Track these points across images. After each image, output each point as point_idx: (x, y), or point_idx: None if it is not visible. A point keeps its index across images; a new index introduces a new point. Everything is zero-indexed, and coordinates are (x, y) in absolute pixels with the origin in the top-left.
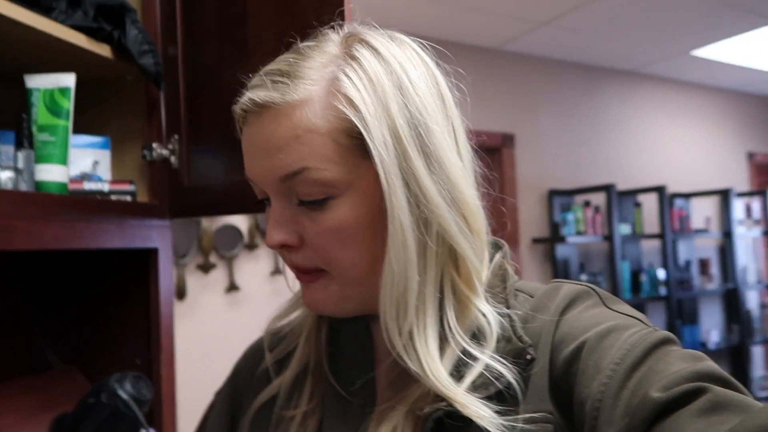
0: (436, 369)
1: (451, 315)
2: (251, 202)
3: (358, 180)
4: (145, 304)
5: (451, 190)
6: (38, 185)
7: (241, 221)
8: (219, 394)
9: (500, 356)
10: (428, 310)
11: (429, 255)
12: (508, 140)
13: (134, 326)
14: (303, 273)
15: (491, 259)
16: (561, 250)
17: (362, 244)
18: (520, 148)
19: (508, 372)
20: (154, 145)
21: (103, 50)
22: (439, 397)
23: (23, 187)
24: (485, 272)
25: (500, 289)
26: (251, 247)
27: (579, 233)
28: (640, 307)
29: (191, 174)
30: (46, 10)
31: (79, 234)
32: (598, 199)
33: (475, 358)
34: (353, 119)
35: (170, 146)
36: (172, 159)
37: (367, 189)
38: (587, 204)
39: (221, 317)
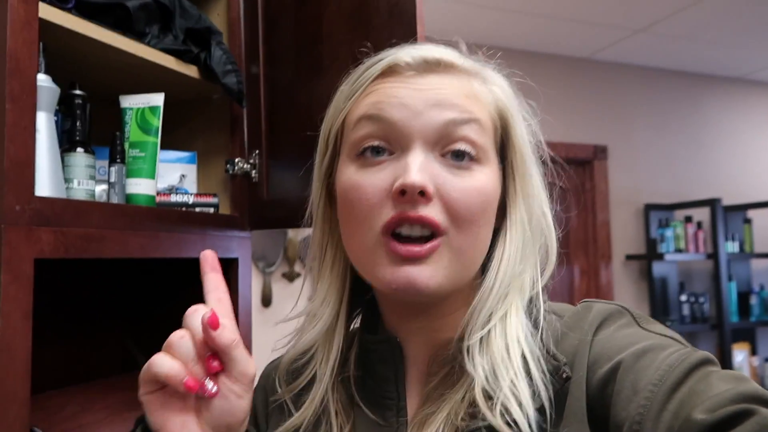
0: (496, 372)
1: (543, 328)
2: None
3: (492, 161)
4: None
5: (542, 204)
6: (128, 198)
7: None
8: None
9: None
10: (516, 313)
11: (533, 253)
12: (600, 152)
13: None
14: (417, 244)
15: None
16: (658, 268)
17: (489, 217)
18: (613, 160)
19: (544, 390)
20: (237, 159)
21: (191, 71)
22: (475, 406)
23: (115, 199)
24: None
25: (534, 307)
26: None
27: (679, 250)
28: (749, 332)
29: (270, 188)
30: (139, 36)
31: (164, 244)
32: (701, 214)
33: (519, 369)
34: (507, 107)
35: (251, 161)
36: (253, 173)
37: (494, 173)
38: (688, 219)
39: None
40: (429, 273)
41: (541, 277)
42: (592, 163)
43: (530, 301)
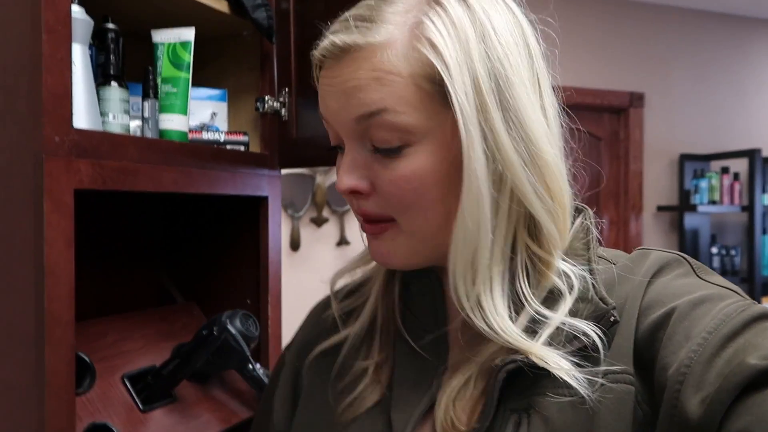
0: (505, 326)
1: (522, 276)
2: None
3: (435, 128)
4: (256, 249)
5: (530, 148)
6: (161, 133)
7: None
8: (288, 349)
9: (583, 317)
10: (497, 269)
11: (501, 213)
12: (636, 99)
13: (246, 270)
14: (370, 223)
15: (572, 223)
16: (690, 220)
17: (435, 195)
18: (649, 108)
19: (590, 331)
20: (267, 97)
21: (221, 5)
22: (513, 352)
23: (148, 134)
24: (566, 235)
25: (582, 253)
26: None
27: (712, 202)
28: None
29: (299, 126)
30: None
31: (196, 180)
32: (739, 165)
33: (549, 318)
34: (435, 63)
35: (281, 99)
36: (283, 111)
37: (443, 139)
38: (725, 170)
39: (331, 269)
40: (386, 249)
41: (550, 220)
42: (627, 111)
43: (585, 243)
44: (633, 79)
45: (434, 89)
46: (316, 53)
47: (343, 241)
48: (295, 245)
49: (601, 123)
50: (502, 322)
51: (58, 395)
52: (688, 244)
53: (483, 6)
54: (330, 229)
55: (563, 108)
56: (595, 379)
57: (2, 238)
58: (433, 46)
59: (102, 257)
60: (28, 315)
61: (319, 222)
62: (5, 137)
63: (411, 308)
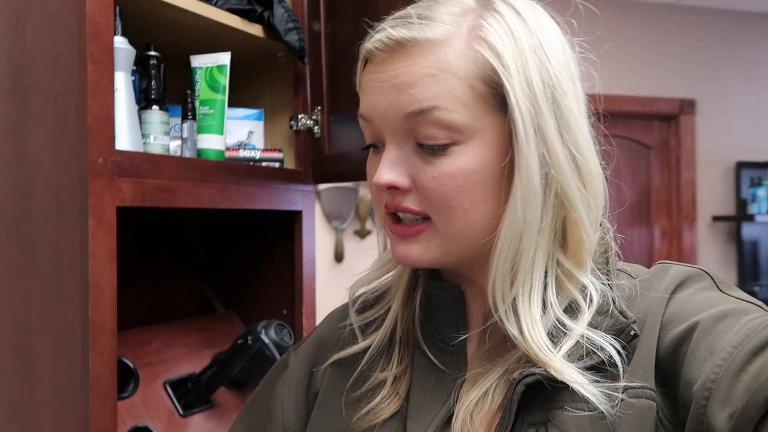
0: (536, 334)
1: (552, 284)
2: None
3: (483, 130)
4: (292, 261)
5: (576, 157)
6: (199, 152)
7: None
8: (296, 351)
9: (602, 330)
10: (537, 275)
11: (546, 218)
12: (687, 106)
13: (282, 281)
14: (402, 224)
15: None
16: (748, 230)
17: (477, 196)
18: (701, 114)
19: (608, 345)
20: (300, 116)
21: (255, 30)
22: (531, 365)
23: (187, 154)
24: (594, 246)
25: (602, 266)
26: None
27: None
28: None
29: (331, 143)
30: None
31: (232, 195)
32: None
33: (570, 329)
34: (495, 65)
35: (314, 117)
36: (315, 129)
37: (491, 142)
38: None
39: None
40: (418, 251)
41: (591, 228)
42: (677, 119)
43: (604, 257)
44: (684, 85)
45: (487, 91)
46: (368, 45)
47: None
48: (339, 257)
49: (650, 131)
50: (533, 329)
51: (101, 398)
52: (746, 254)
53: (535, 18)
54: (373, 241)
55: (603, 115)
56: (615, 394)
57: (53, 253)
58: (493, 48)
59: (148, 269)
60: (74, 323)
61: (362, 234)
62: (57, 158)
63: (431, 320)
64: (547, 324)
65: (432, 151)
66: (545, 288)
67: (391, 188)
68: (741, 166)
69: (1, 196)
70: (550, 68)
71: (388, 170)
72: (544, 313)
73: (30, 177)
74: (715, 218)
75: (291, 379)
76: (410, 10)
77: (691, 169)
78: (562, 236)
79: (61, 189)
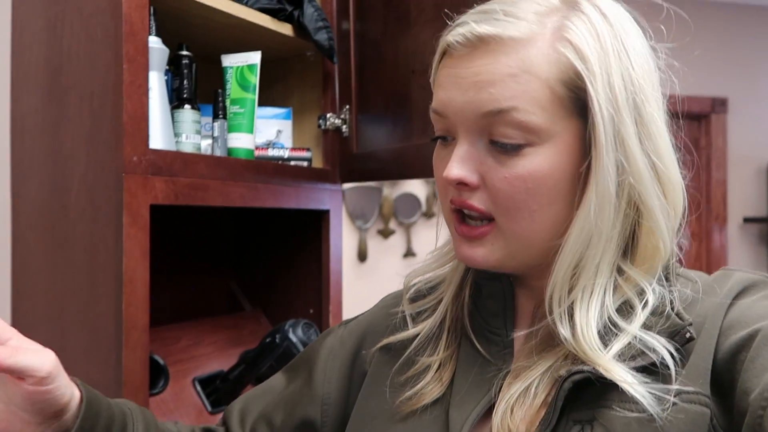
0: (588, 335)
1: (610, 287)
2: (409, 170)
3: (559, 133)
4: (319, 260)
5: (657, 164)
6: (229, 151)
7: (419, 190)
8: (347, 327)
9: (656, 332)
10: (600, 281)
11: (618, 225)
12: (719, 105)
13: (309, 280)
14: (468, 225)
15: None
16: None
17: (546, 199)
18: (733, 113)
19: (660, 347)
20: (329, 115)
21: (285, 29)
22: (577, 362)
23: (218, 152)
24: (668, 254)
25: (663, 270)
26: (429, 215)
27: None
28: None
29: (359, 142)
30: None
31: (261, 194)
32: None
33: (622, 329)
34: (579, 69)
35: (342, 116)
36: (344, 128)
37: (564, 146)
38: None
39: (398, 281)
40: (483, 253)
41: (668, 236)
42: (708, 118)
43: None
44: (715, 83)
45: (567, 94)
46: (449, 38)
47: (409, 253)
48: (362, 256)
49: (680, 130)
50: (587, 332)
51: (134, 394)
52: None
53: (620, 21)
54: (396, 241)
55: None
56: (666, 396)
57: (88, 250)
58: (578, 50)
59: (177, 267)
60: (108, 320)
61: (386, 234)
62: (93, 157)
63: (480, 310)
64: (599, 324)
65: (505, 150)
66: (603, 292)
67: (460, 184)
68: None
69: (37, 194)
70: (633, 73)
71: (458, 166)
72: (600, 317)
73: (66, 175)
74: (747, 219)
75: (338, 353)
76: (495, 5)
77: (722, 169)
78: (630, 243)
79: (96, 187)
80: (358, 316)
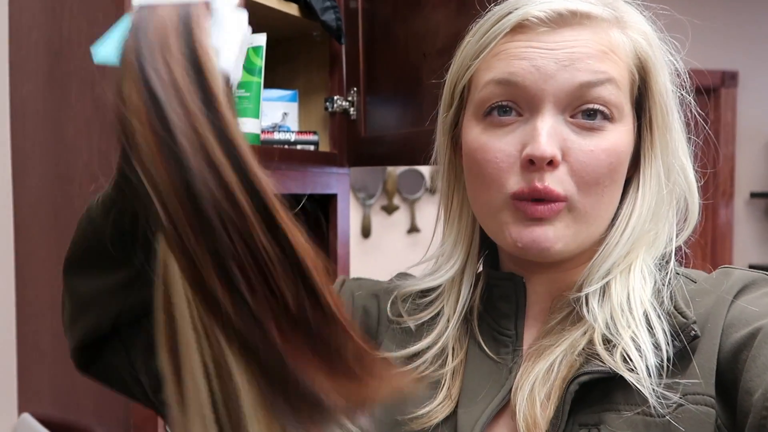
0: (626, 307)
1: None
2: (420, 155)
3: (626, 116)
4: (326, 245)
5: (682, 154)
6: None
7: (423, 166)
8: (359, 280)
9: (660, 330)
10: (639, 263)
11: (672, 204)
12: (729, 79)
13: None
14: (547, 204)
15: None
16: None
17: (618, 176)
18: (744, 87)
19: (666, 345)
20: (336, 97)
21: (291, 9)
22: (591, 345)
23: None
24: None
25: (663, 265)
26: (433, 191)
27: None
28: None
29: (367, 125)
30: None
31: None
32: None
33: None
34: (648, 55)
35: (350, 98)
36: (351, 111)
37: (629, 127)
38: None
39: (402, 257)
40: (554, 233)
41: (677, 236)
42: (718, 92)
43: (662, 258)
44: (725, 57)
45: (632, 79)
46: (531, 11)
47: (413, 229)
48: (366, 232)
49: (688, 105)
50: (618, 318)
51: None
52: None
53: (652, 30)
54: (400, 217)
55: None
56: (671, 395)
57: None
58: (647, 38)
59: None
60: None
61: (389, 210)
62: (96, 146)
63: (490, 312)
64: (636, 313)
65: (591, 124)
66: (642, 271)
67: (549, 163)
68: None
69: (41, 182)
70: (671, 79)
71: (550, 142)
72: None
73: (69, 164)
74: (753, 195)
75: (354, 294)
76: None
77: (731, 144)
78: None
79: (100, 177)
80: (373, 284)
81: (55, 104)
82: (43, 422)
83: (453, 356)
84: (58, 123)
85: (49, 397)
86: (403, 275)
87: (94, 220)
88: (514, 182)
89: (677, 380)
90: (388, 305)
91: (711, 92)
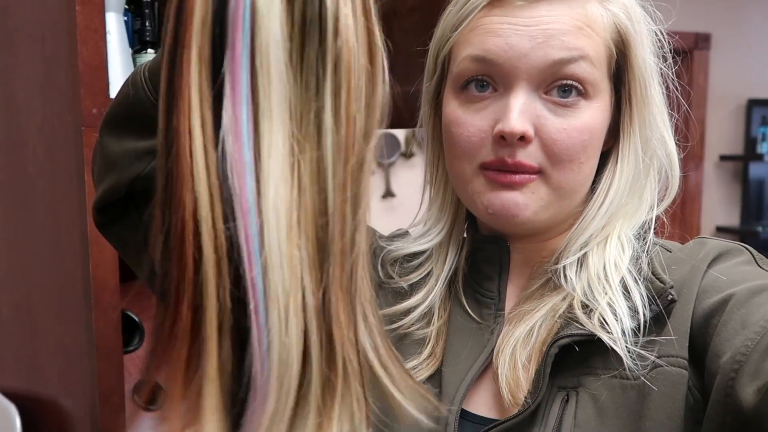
0: (602, 275)
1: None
2: (395, 118)
3: (602, 92)
4: None
5: (665, 126)
6: None
7: (398, 129)
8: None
9: (637, 294)
10: (614, 234)
11: (651, 176)
12: (702, 41)
13: None
14: (513, 173)
15: None
16: (756, 170)
17: (593, 152)
18: (716, 50)
19: (644, 309)
20: None
21: None
22: (571, 310)
23: None
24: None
25: (640, 233)
26: (408, 155)
27: None
28: None
29: None
30: None
31: None
32: None
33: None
34: (628, 29)
35: None
36: None
37: (605, 104)
38: None
39: (377, 222)
40: (523, 200)
41: (658, 205)
42: (691, 54)
43: (641, 227)
44: (698, 19)
45: (609, 55)
46: None
47: (388, 194)
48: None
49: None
50: (601, 274)
51: (107, 356)
52: (752, 194)
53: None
54: (375, 182)
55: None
56: (649, 356)
57: (50, 208)
58: (626, 11)
59: None
60: (75, 281)
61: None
62: (48, 107)
63: (473, 275)
64: (612, 281)
65: (564, 102)
66: (619, 240)
67: (520, 139)
68: (753, 103)
69: None
70: (655, 53)
71: (522, 119)
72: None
73: (21, 127)
74: (723, 157)
75: None
76: None
77: (702, 107)
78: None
79: (54, 141)
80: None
81: (3, 62)
82: (7, 394)
83: (438, 316)
84: (8, 84)
85: (12, 369)
86: (400, 235)
87: (136, 84)
88: (485, 154)
89: (653, 338)
90: (379, 267)
91: (684, 54)
